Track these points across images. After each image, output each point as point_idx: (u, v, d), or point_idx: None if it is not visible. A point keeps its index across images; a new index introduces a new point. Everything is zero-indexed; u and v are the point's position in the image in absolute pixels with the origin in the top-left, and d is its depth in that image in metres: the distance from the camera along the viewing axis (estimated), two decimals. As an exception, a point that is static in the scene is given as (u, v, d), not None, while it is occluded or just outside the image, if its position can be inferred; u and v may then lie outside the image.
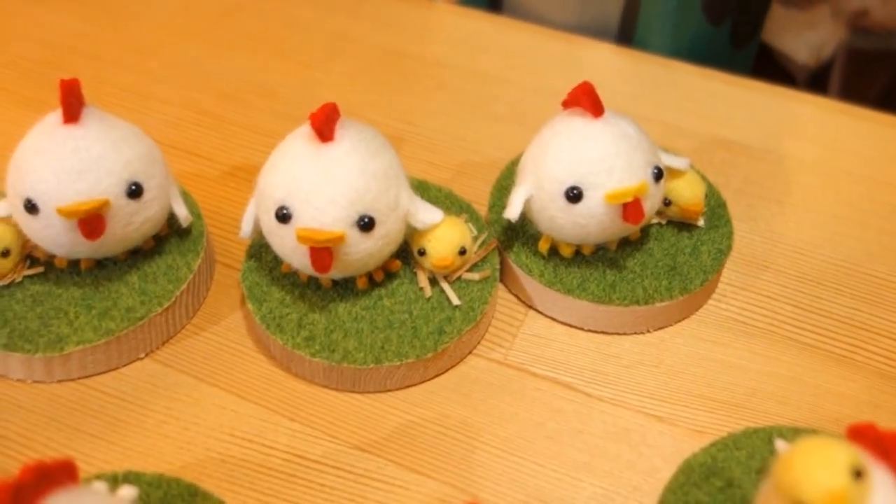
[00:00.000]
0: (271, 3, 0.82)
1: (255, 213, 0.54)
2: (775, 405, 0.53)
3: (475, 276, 0.56)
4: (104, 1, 0.82)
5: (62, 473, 0.38)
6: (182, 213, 0.56)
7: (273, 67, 0.76)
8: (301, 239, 0.50)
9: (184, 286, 0.55)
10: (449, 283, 0.55)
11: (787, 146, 0.70)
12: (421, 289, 0.55)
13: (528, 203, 0.55)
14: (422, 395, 0.53)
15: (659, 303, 0.55)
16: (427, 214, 0.54)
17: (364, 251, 0.52)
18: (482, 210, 0.61)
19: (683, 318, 0.57)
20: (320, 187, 0.50)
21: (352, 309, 0.54)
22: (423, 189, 0.61)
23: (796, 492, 0.37)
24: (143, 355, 0.54)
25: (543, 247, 0.57)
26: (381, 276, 0.55)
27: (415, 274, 0.56)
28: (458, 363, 0.55)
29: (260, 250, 0.57)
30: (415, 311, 0.54)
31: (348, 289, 0.55)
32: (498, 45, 0.79)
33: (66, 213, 0.50)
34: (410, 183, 0.54)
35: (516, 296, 0.59)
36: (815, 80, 0.94)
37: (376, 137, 0.53)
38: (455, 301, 0.54)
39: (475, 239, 0.57)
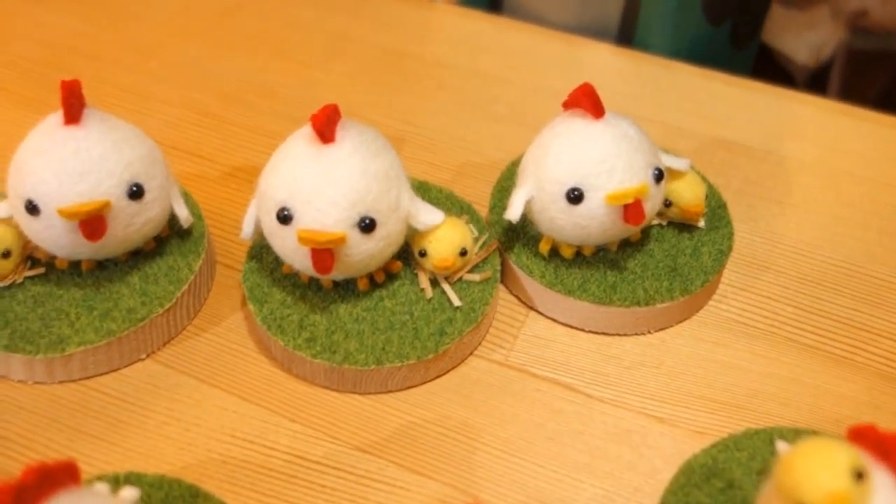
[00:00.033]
0: (271, 4, 0.82)
1: (256, 215, 0.54)
2: (776, 406, 0.53)
3: (476, 277, 0.56)
4: (104, 1, 0.82)
5: (64, 475, 0.38)
6: (183, 214, 0.56)
7: (273, 68, 0.76)
8: (302, 240, 0.50)
9: (185, 287, 0.55)
10: (450, 284, 0.55)
11: (787, 147, 0.70)
12: (422, 290, 0.55)
13: (528, 204, 0.55)
14: (423, 396, 0.53)
15: (660, 304, 0.55)
16: (428, 216, 0.54)
17: (365, 252, 0.52)
18: (483, 211, 0.61)
19: (684, 319, 0.57)
20: (321, 188, 0.50)
21: (353, 310, 0.54)
22: (424, 190, 0.61)
23: (797, 493, 0.37)
24: (144, 356, 0.54)
25: (544, 248, 0.57)
26: (382, 278, 0.55)
27: (416, 275, 0.56)
28: (458, 364, 0.55)
29: (261, 251, 0.57)
30: (416, 312, 0.54)
31: (349, 290, 0.55)
32: (498, 46, 0.79)
33: (67, 215, 0.50)
34: (411, 184, 0.54)
35: (517, 297, 0.59)
36: (815, 81, 0.94)
37: (377, 138, 0.53)
38: (456, 302, 0.54)
39: (476, 240, 0.57)
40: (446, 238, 0.54)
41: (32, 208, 0.50)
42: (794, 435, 0.49)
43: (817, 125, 0.72)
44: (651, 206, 0.54)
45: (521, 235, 0.58)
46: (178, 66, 0.75)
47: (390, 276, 0.56)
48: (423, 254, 0.54)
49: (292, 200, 0.51)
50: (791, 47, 0.92)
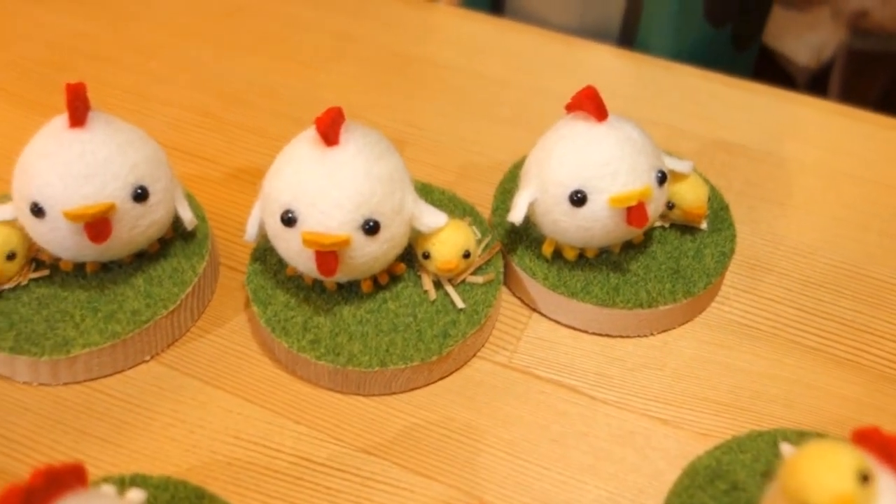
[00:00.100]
0: (273, 4, 0.82)
1: (260, 217, 0.54)
2: (779, 408, 0.53)
3: (479, 279, 0.56)
4: (105, 1, 0.82)
5: (72, 477, 0.38)
6: (187, 216, 0.56)
7: (275, 69, 0.76)
8: (307, 242, 0.50)
9: (189, 289, 0.55)
10: (453, 286, 0.56)
11: (788, 148, 0.70)
12: (425, 292, 0.55)
13: (531, 206, 0.55)
14: (426, 397, 0.53)
15: (662, 306, 0.56)
16: (431, 218, 0.54)
17: (369, 255, 0.52)
18: (485, 213, 0.62)
19: (687, 321, 0.58)
20: (326, 191, 0.50)
21: (356, 312, 0.54)
22: (427, 192, 0.61)
23: (803, 496, 0.37)
24: (148, 358, 0.54)
25: (547, 250, 0.57)
26: (386, 280, 0.56)
27: (419, 277, 0.56)
28: (462, 366, 0.55)
29: (264, 253, 0.57)
30: (419, 314, 0.54)
31: (353, 292, 0.55)
32: (500, 48, 0.79)
33: (72, 217, 0.50)
34: (414, 186, 0.55)
35: (520, 299, 0.59)
36: (816, 82, 0.94)
37: (381, 141, 0.53)
38: (459, 304, 0.55)
39: (479, 242, 0.58)
40: (450, 240, 0.54)
41: (37, 211, 0.50)
42: (797, 437, 0.49)
43: (818, 127, 0.72)
44: (654, 209, 0.55)
45: (524, 237, 0.58)
46: (179, 67, 0.75)
47: (394, 279, 0.56)
48: (426, 256, 0.55)
49: (297, 203, 0.51)
50: (792, 48, 0.92)
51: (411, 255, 0.56)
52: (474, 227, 0.58)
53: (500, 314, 0.58)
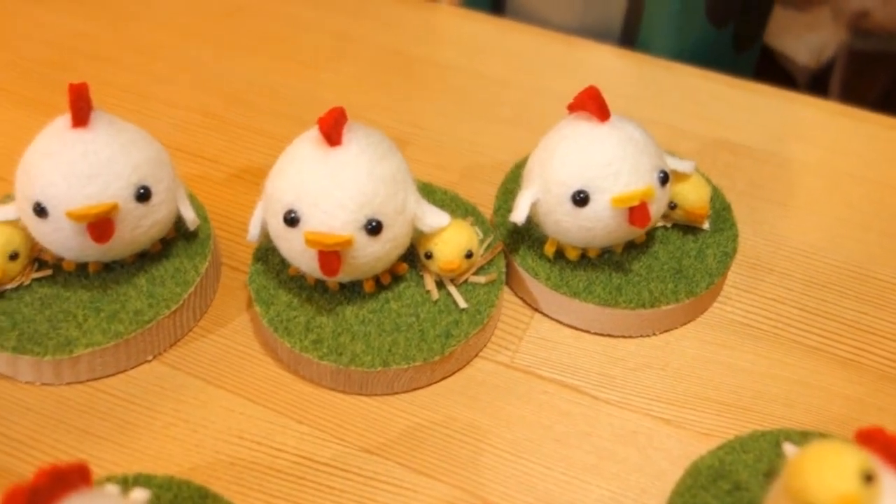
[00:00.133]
0: (273, 4, 0.82)
1: (263, 217, 0.54)
2: (781, 408, 0.53)
3: (481, 279, 0.56)
4: (105, 1, 0.82)
5: (76, 476, 0.39)
6: (189, 216, 0.56)
7: (276, 69, 0.76)
8: (309, 243, 0.50)
9: (191, 289, 0.55)
10: (455, 286, 0.56)
11: (789, 149, 0.70)
12: (428, 292, 0.55)
13: (534, 206, 0.55)
14: (429, 397, 0.54)
15: (665, 306, 0.56)
16: (434, 218, 0.54)
17: (371, 255, 0.52)
18: (487, 213, 0.62)
19: (689, 321, 0.58)
20: (328, 191, 0.50)
21: (359, 312, 0.54)
22: (429, 192, 0.61)
23: (807, 496, 0.37)
24: (150, 358, 0.54)
25: (549, 250, 0.57)
26: (388, 280, 0.56)
27: (421, 277, 0.56)
28: (464, 366, 0.55)
29: (266, 253, 0.57)
30: (422, 314, 0.54)
31: (355, 292, 0.55)
32: (501, 48, 0.79)
33: (75, 217, 0.50)
34: (416, 186, 0.55)
35: (522, 299, 0.59)
36: (816, 82, 0.94)
37: (383, 141, 0.53)
38: (462, 304, 0.55)
39: (481, 242, 0.58)
40: (452, 240, 0.54)
41: (41, 211, 0.50)
42: (800, 437, 0.49)
43: (819, 127, 0.72)
44: (656, 209, 0.55)
45: (526, 237, 0.59)
46: (179, 67, 0.75)
47: (396, 279, 0.56)
48: (428, 256, 0.55)
49: (299, 203, 0.51)
50: (792, 48, 0.93)
51: (413, 256, 0.56)
52: (476, 227, 0.58)
53: (502, 314, 0.58)
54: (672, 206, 0.58)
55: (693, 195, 0.58)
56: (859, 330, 0.58)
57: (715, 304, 0.59)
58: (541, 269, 0.57)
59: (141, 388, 0.53)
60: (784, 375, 0.55)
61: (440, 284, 0.56)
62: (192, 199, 0.59)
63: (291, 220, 0.51)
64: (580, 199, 0.53)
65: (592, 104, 0.54)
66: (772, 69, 0.93)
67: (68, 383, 0.53)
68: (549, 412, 0.53)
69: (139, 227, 0.53)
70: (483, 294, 0.55)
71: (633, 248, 0.58)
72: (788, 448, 0.46)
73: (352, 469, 0.50)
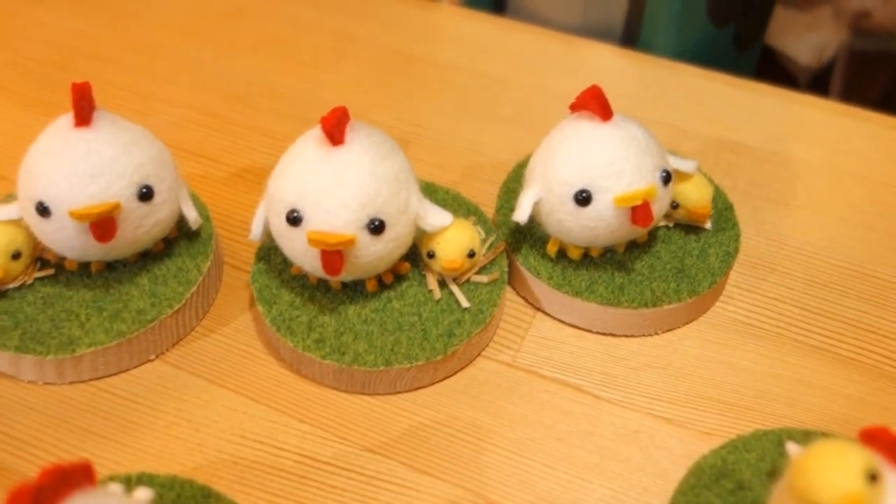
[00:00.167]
0: (273, 4, 0.82)
1: (265, 216, 0.54)
2: (783, 407, 0.54)
3: (484, 278, 0.56)
4: (105, 1, 0.82)
5: (80, 475, 0.39)
6: (192, 215, 0.56)
7: (277, 68, 0.76)
8: (312, 242, 0.50)
9: (193, 288, 0.55)
10: (458, 285, 0.56)
11: (791, 148, 0.70)
12: (430, 291, 0.55)
13: (536, 206, 0.55)
14: (431, 397, 0.54)
15: (667, 305, 0.56)
16: (436, 217, 0.54)
17: (374, 254, 0.52)
18: (489, 212, 0.62)
19: (691, 321, 0.58)
20: (331, 190, 0.50)
21: (361, 311, 0.54)
22: (431, 191, 0.61)
23: (812, 495, 0.37)
24: (153, 357, 0.54)
25: (551, 249, 0.57)
26: (391, 279, 0.56)
27: (424, 276, 0.56)
28: (466, 365, 0.55)
29: (268, 253, 0.57)
30: (424, 313, 0.54)
31: (358, 291, 0.55)
32: (502, 47, 0.79)
33: (78, 217, 0.50)
34: (419, 186, 0.55)
35: (524, 298, 0.59)
36: (817, 82, 0.94)
37: (386, 140, 0.53)
38: (464, 303, 0.55)
39: (483, 241, 0.58)
40: (454, 240, 0.54)
41: (43, 210, 0.50)
42: (803, 436, 0.49)
43: (821, 126, 0.73)
44: (659, 208, 0.55)
45: (528, 237, 0.59)
46: (179, 67, 0.75)
47: (398, 278, 0.56)
48: (431, 255, 0.55)
49: (302, 202, 0.51)
50: (793, 48, 0.93)
51: (416, 255, 0.56)
52: (478, 227, 0.58)
53: (504, 313, 0.58)
54: (674, 205, 0.58)
55: (695, 195, 0.58)
56: (861, 329, 0.58)
57: (717, 304, 0.59)
58: (543, 269, 0.57)
59: (143, 388, 0.53)
60: (786, 375, 0.55)
61: (442, 284, 0.56)
62: (195, 199, 0.59)
63: (294, 219, 0.51)
64: (583, 198, 0.53)
65: (595, 103, 0.54)
66: (773, 69, 0.93)
67: (71, 382, 0.53)
68: (552, 411, 0.53)
69: (141, 226, 0.53)
70: (485, 293, 0.55)
71: (635, 247, 0.58)
72: (792, 447, 0.46)
73: (354, 468, 0.50)
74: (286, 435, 0.51)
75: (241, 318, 0.57)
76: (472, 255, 0.55)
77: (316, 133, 0.52)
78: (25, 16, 0.80)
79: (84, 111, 0.51)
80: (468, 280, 0.56)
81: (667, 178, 0.54)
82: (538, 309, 0.58)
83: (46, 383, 0.53)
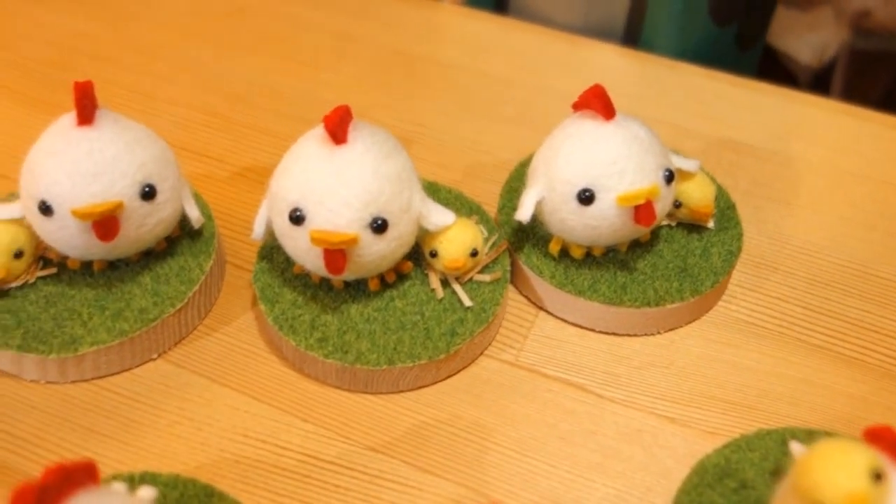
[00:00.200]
0: (275, 4, 0.82)
1: (268, 215, 0.54)
2: (786, 406, 0.53)
3: (486, 277, 0.56)
4: (105, 1, 0.82)
5: (84, 474, 0.39)
6: (194, 214, 0.56)
7: (279, 68, 0.76)
8: (315, 241, 0.50)
9: (196, 287, 0.55)
10: (460, 284, 0.56)
11: (793, 147, 0.70)
12: (432, 290, 0.55)
13: (539, 205, 0.55)
14: (434, 396, 0.54)
15: (670, 304, 0.56)
16: (439, 216, 0.54)
17: (377, 253, 0.52)
18: (492, 211, 0.62)
19: (694, 320, 0.58)
20: (334, 189, 0.50)
21: (364, 310, 0.54)
22: (433, 191, 0.61)
23: (816, 494, 0.37)
24: (155, 356, 0.54)
25: (554, 248, 0.57)
26: (393, 278, 0.56)
27: (426, 275, 0.56)
28: (469, 364, 0.55)
29: (271, 252, 0.57)
30: (427, 312, 0.54)
31: (360, 290, 0.55)
32: (504, 47, 0.79)
33: (80, 215, 0.50)
34: (421, 185, 0.55)
35: (527, 297, 0.59)
36: (818, 81, 0.94)
37: (389, 140, 0.53)
38: (467, 302, 0.55)
39: (486, 241, 0.57)
40: (457, 239, 0.54)
41: (46, 209, 0.50)
42: (806, 435, 0.49)
43: (824, 126, 0.73)
44: (661, 207, 0.55)
45: (530, 236, 0.58)
46: (182, 67, 0.75)
47: (401, 277, 0.56)
48: (433, 254, 0.55)
49: (305, 201, 0.51)
50: (794, 48, 0.93)
51: (418, 254, 0.56)
52: (481, 226, 0.58)
53: (507, 312, 0.58)
54: (677, 204, 0.58)
55: (698, 194, 0.58)
56: (863, 328, 0.58)
57: (720, 303, 0.59)
58: (545, 268, 0.57)
59: (146, 387, 0.53)
60: (789, 374, 0.55)
61: (445, 283, 0.56)
62: (197, 198, 0.59)
63: (297, 218, 0.51)
64: (585, 197, 0.53)
65: (598, 102, 0.54)
66: (774, 69, 0.93)
67: (73, 381, 0.53)
68: (554, 410, 0.53)
69: (144, 225, 0.53)
70: (488, 292, 0.55)
71: (637, 246, 0.58)
72: (795, 447, 0.46)
73: (357, 467, 0.50)
74: (289, 434, 0.51)
75: (243, 317, 0.57)
76: (474, 254, 0.55)
77: (318, 132, 0.52)
78: (26, 16, 0.80)
79: (87, 110, 0.51)
80: (471, 279, 0.56)
81: (669, 177, 0.54)
82: (541, 308, 0.58)
83: (49, 382, 0.53)
